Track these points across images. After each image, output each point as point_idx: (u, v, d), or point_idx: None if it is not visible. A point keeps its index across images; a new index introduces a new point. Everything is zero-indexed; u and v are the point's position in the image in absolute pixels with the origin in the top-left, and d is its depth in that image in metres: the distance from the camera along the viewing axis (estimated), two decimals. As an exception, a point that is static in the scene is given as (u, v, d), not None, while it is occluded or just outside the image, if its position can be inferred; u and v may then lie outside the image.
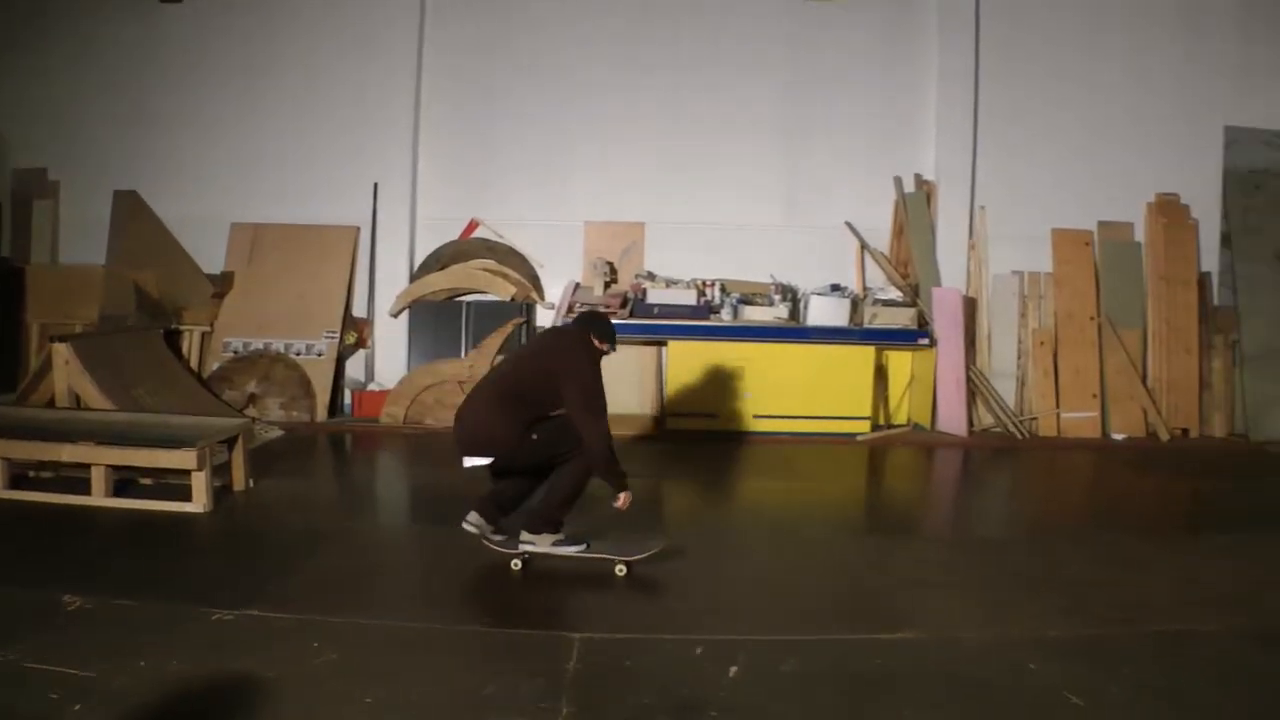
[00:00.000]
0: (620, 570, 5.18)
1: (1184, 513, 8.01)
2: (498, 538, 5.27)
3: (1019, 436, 9.88)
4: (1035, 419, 10.10)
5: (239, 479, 6.60)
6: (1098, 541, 6.41)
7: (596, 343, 5.31)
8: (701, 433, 9.19)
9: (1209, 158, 10.89)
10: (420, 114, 9.88)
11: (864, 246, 10.27)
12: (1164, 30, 10.81)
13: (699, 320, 9.30)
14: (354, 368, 9.91)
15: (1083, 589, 5.47)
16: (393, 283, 9.81)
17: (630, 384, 9.62)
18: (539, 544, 5.20)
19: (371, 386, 9.69)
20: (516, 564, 5.18)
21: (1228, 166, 10.91)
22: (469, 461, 5.19)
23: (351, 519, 6.58)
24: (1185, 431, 10.41)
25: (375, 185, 9.81)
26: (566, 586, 5.13)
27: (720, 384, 9.22)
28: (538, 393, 5.19)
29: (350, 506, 7.19)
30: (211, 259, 9.78)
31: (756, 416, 9.34)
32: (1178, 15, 10.80)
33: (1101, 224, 10.60)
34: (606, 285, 9.51)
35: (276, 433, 8.61)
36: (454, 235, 9.92)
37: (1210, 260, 10.92)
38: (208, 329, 9.48)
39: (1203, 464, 9.56)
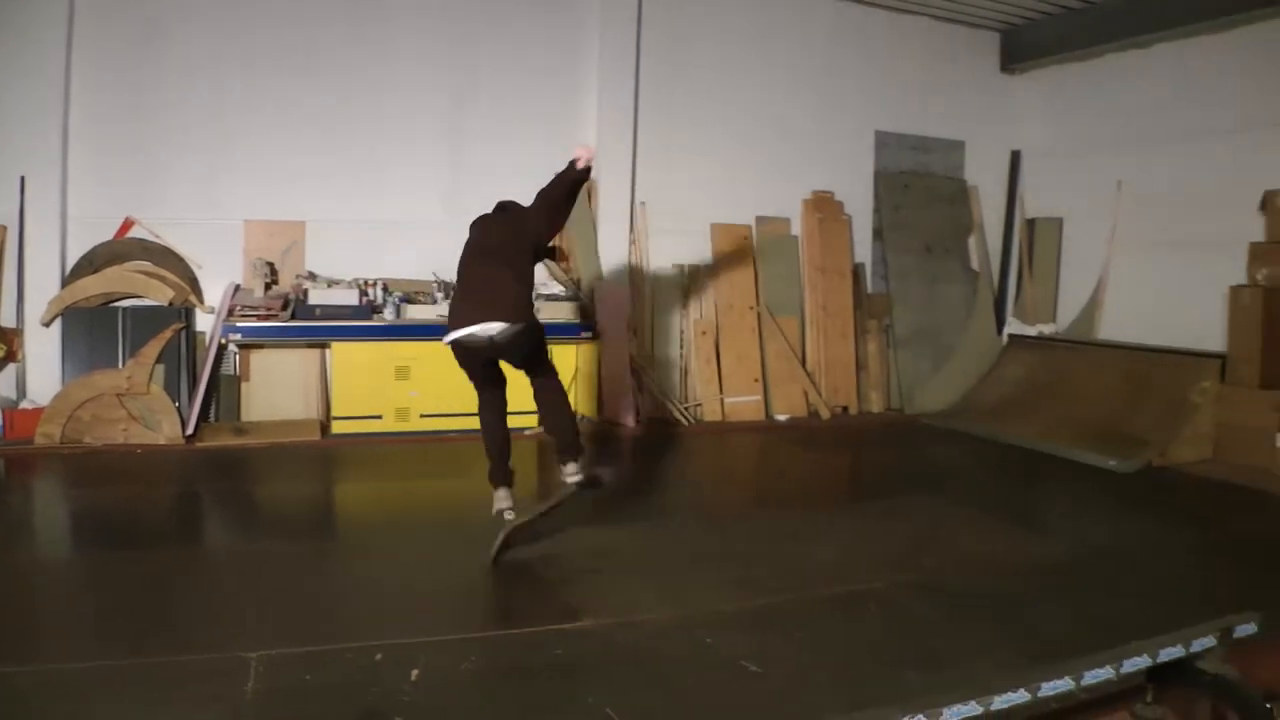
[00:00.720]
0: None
1: (845, 483, 9.33)
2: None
3: (685, 423, 11.16)
4: (700, 405, 11.42)
5: (-121, 522, 6.34)
6: (765, 516, 7.42)
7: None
8: (368, 435, 9.81)
9: (862, 159, 12.83)
10: (70, 103, 9.76)
11: None
12: (820, 40, 12.54)
13: (362, 320, 9.88)
14: (4, 384, 9.69)
15: (753, 562, 6.32)
16: (44, 288, 9.69)
17: (293, 389, 10.21)
18: (578, 471, 6.27)
19: (24, 404, 9.51)
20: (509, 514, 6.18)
21: (878, 168, 12.87)
22: (476, 332, 5.88)
23: (7, 554, 6.27)
24: (845, 409, 12.12)
25: (22, 179, 9.65)
26: (241, 605, 5.28)
27: (386, 384, 9.91)
28: (522, 255, 6.23)
29: (5, 540, 6.69)
30: None
31: (424, 415, 10.10)
32: (833, 26, 12.58)
33: (760, 219, 12.11)
34: (267, 287, 9.88)
35: (-79, 464, 8.29)
36: (108, 235, 9.91)
37: (864, 252, 12.80)
38: None
39: (861, 438, 11.20)
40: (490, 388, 6.54)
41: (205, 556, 6.47)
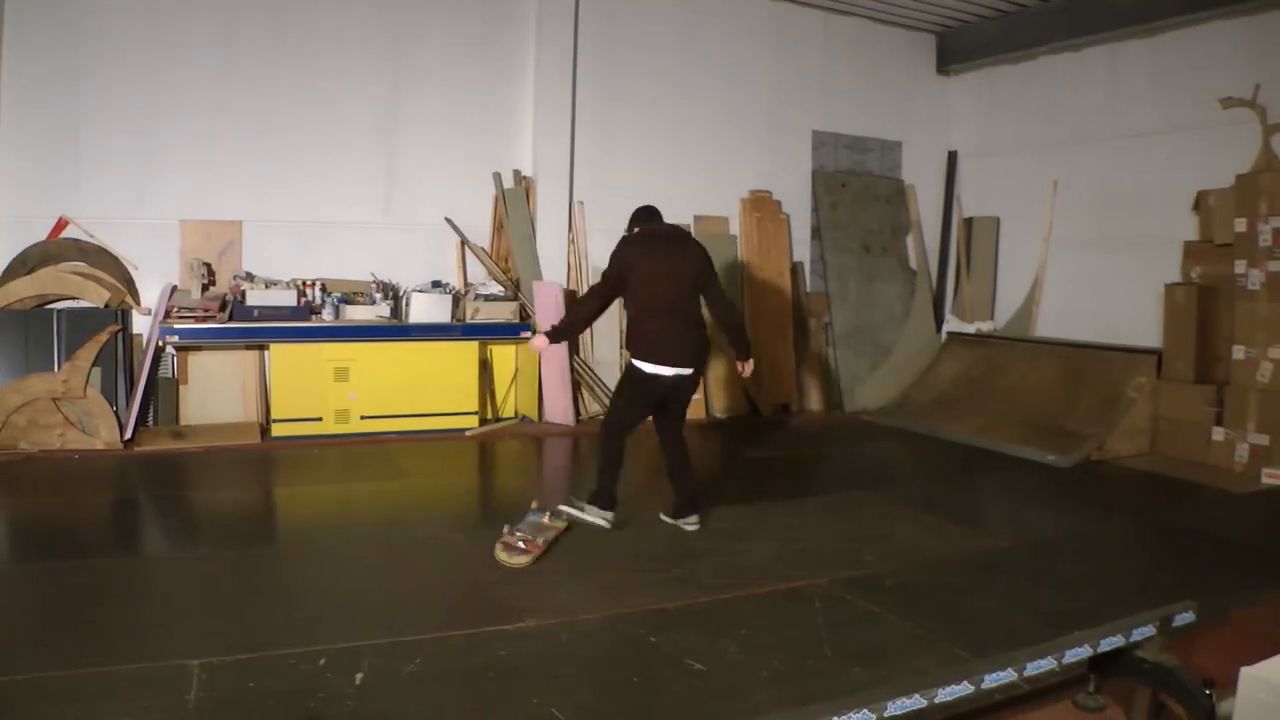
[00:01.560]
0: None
1: (786, 481, 9.26)
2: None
3: None
4: None
5: None
6: (706, 514, 7.24)
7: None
8: (308, 438, 9.72)
9: (799, 159, 12.95)
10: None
11: (464, 242, 11.19)
12: (757, 41, 12.63)
13: (300, 321, 9.76)
14: (-64, 390, 9.18)
15: (694, 560, 6.34)
16: (-26, 291, 9.16)
17: (232, 392, 10.11)
18: (698, 522, 7.04)
19: (-42, 410, 9.05)
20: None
21: (815, 167, 12.96)
22: (671, 375, 6.73)
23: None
24: (785, 407, 12.17)
25: (-50, 180, 9.15)
26: (183, 613, 5.22)
27: (325, 386, 9.84)
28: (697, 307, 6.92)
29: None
30: None
31: (363, 417, 10.04)
32: (769, 28, 12.67)
33: (698, 217, 12.11)
34: (204, 288, 9.73)
35: None
36: (41, 235, 9.65)
37: (802, 251, 12.91)
38: None
39: (801, 436, 11.23)
40: (639, 422, 7.12)
41: (145, 564, 6.31)
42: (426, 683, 4.46)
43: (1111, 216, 12.12)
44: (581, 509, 6.85)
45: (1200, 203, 10.62)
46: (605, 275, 7.01)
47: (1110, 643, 4.12)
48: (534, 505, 6.87)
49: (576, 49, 11.68)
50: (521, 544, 6.31)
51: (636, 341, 6.80)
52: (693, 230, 12.08)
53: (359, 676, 4.39)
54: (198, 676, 4.28)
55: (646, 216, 7.07)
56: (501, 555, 6.20)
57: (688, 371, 6.73)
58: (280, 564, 6.41)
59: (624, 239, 7.18)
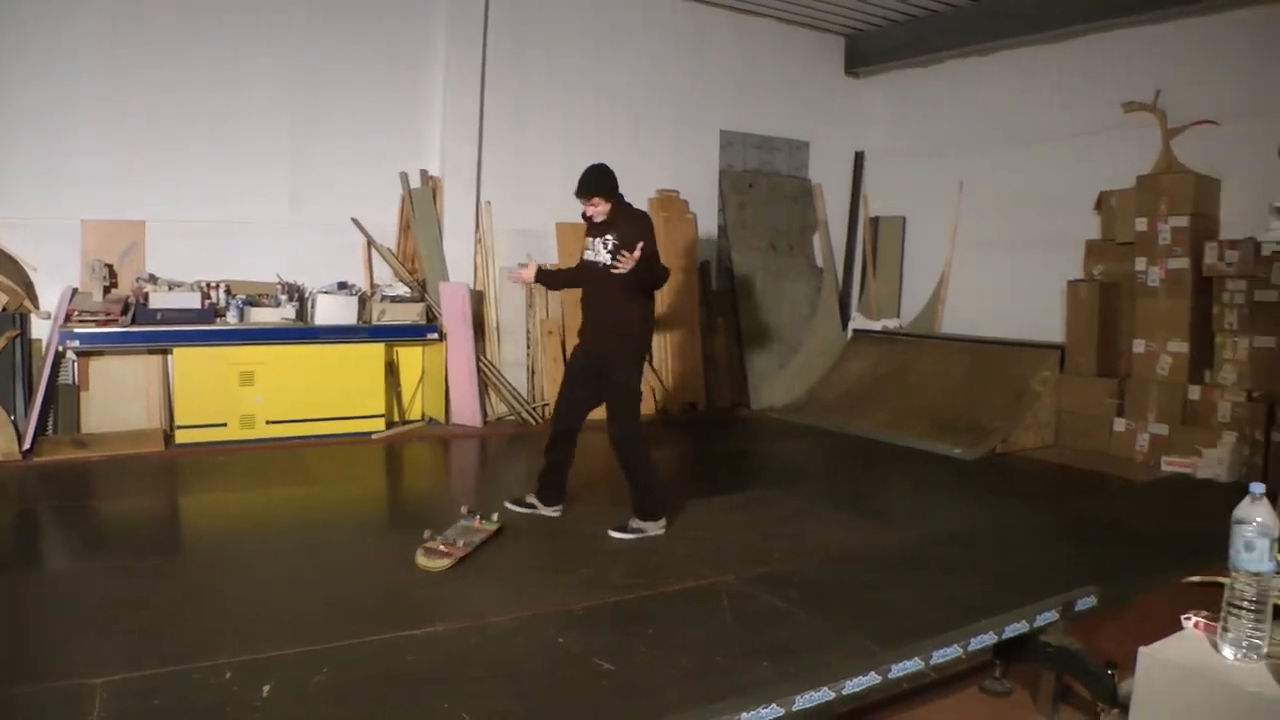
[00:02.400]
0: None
1: (694, 479, 9.25)
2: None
3: (533, 423, 11.13)
4: (548, 405, 11.35)
5: None
6: (614, 515, 7.17)
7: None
8: (213, 444, 9.54)
9: (707, 158, 13.11)
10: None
11: (371, 243, 11.11)
12: (666, 41, 12.74)
13: (205, 324, 9.60)
14: None
15: (603, 561, 6.35)
16: None
17: (135, 398, 9.86)
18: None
19: None
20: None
21: (723, 166, 13.13)
22: None
23: None
24: (693, 406, 12.25)
25: None
26: (84, 629, 5.11)
27: (231, 390, 9.69)
28: None
29: None
30: None
31: (269, 422, 9.89)
32: (679, 28, 12.80)
33: None
34: (106, 290, 9.51)
35: None
36: None
37: (709, 250, 13.01)
38: None
39: (709, 434, 11.32)
40: None
41: (44, 580, 6.18)
42: (336, 691, 4.40)
43: (1017, 216, 12.41)
44: (642, 530, 6.81)
45: (1102, 203, 10.92)
46: (652, 243, 6.71)
47: (1015, 629, 4.21)
48: (464, 510, 6.87)
49: (485, 47, 11.65)
50: (442, 547, 6.25)
51: (642, 322, 6.83)
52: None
53: (266, 688, 4.35)
54: (100, 696, 4.24)
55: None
56: (422, 560, 6.11)
57: None
58: (187, 574, 6.27)
59: (632, 208, 7.06)
